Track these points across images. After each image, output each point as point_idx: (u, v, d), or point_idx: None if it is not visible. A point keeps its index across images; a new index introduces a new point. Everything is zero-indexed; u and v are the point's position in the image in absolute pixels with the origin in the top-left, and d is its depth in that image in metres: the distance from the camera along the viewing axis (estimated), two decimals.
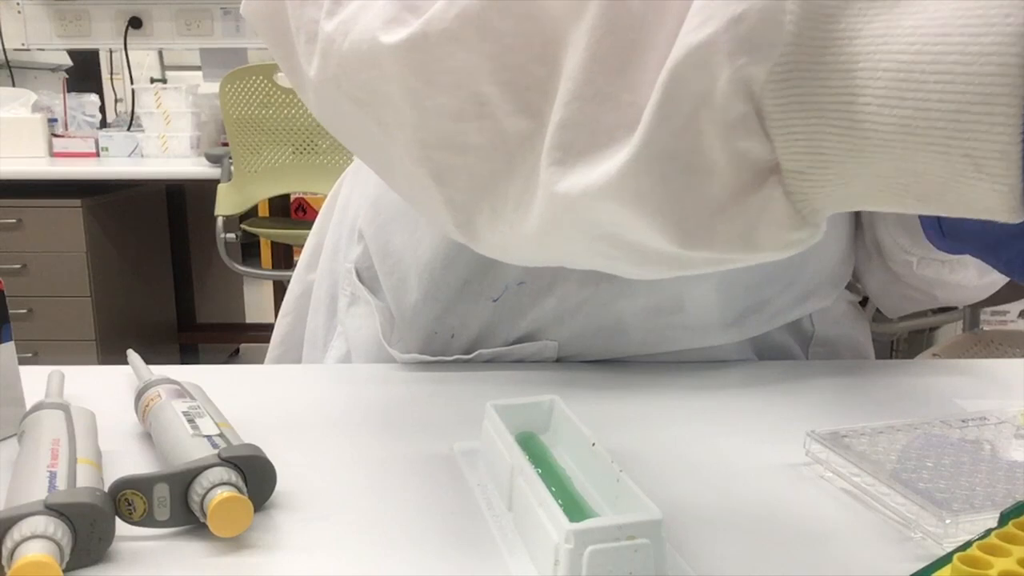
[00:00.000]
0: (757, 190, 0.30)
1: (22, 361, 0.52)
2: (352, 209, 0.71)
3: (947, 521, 0.37)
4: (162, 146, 2.70)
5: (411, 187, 0.41)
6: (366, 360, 0.68)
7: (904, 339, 2.36)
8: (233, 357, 3.31)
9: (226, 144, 2.49)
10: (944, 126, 0.25)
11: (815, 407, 0.55)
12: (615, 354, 0.64)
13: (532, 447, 0.44)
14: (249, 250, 3.04)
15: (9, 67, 3.00)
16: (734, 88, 0.28)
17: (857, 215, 0.66)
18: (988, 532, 0.35)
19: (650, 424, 0.53)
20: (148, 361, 0.56)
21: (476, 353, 0.63)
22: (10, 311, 0.51)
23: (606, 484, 0.39)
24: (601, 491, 0.40)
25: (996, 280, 0.63)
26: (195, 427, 0.43)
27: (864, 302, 0.73)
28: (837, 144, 0.28)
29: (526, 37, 0.33)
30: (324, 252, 0.74)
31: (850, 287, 0.70)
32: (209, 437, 0.42)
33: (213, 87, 2.53)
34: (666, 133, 0.30)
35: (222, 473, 0.38)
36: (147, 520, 0.38)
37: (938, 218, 0.37)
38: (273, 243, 3.06)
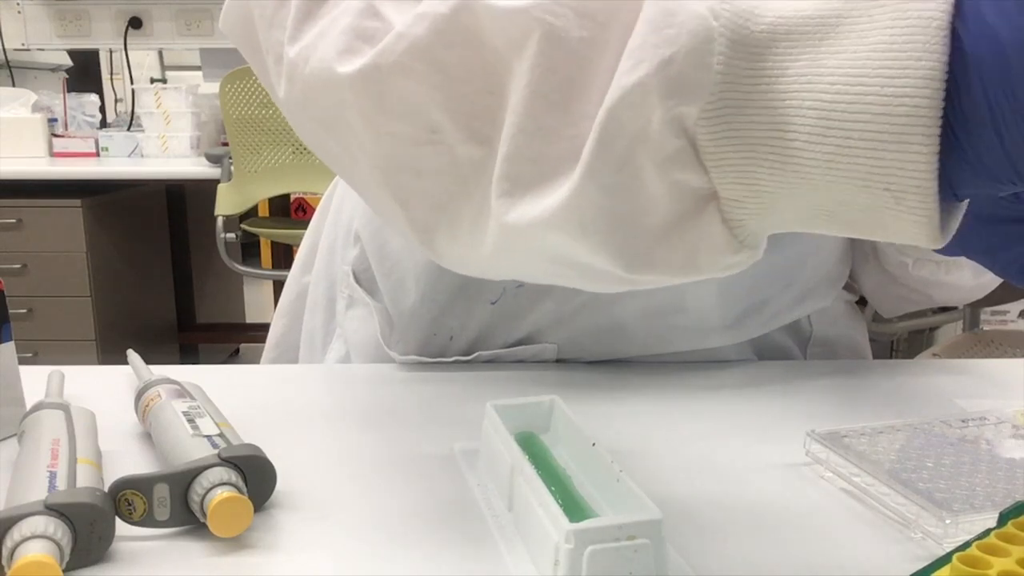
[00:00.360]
0: (696, 218, 0.31)
1: (22, 361, 0.52)
2: (347, 211, 0.71)
3: (947, 521, 0.37)
4: (162, 146, 2.70)
5: (379, 204, 0.42)
6: (365, 362, 0.68)
7: (904, 339, 2.35)
8: (233, 357, 3.31)
9: (226, 144, 2.49)
10: (864, 162, 0.26)
11: (815, 407, 0.55)
12: (615, 355, 0.63)
13: (532, 447, 0.44)
14: (249, 250, 3.04)
15: (9, 67, 3.00)
16: (668, 125, 0.29)
17: None
18: (987, 532, 0.35)
19: (650, 424, 0.53)
20: (148, 361, 0.56)
21: (475, 355, 0.63)
22: (10, 311, 0.51)
23: (606, 484, 0.39)
24: (601, 491, 0.40)
25: (991, 280, 0.64)
26: (195, 427, 0.43)
27: (862, 302, 0.73)
28: (768, 176, 0.29)
29: (472, 69, 0.34)
30: (319, 254, 0.74)
31: (847, 287, 0.70)
32: (209, 437, 0.42)
33: (213, 87, 2.53)
34: (606, 168, 0.31)
35: (222, 473, 0.38)
36: (147, 520, 0.38)
37: None
38: (273, 243, 3.06)
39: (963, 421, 0.49)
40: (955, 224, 0.28)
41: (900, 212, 0.27)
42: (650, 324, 0.61)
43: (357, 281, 0.68)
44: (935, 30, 0.24)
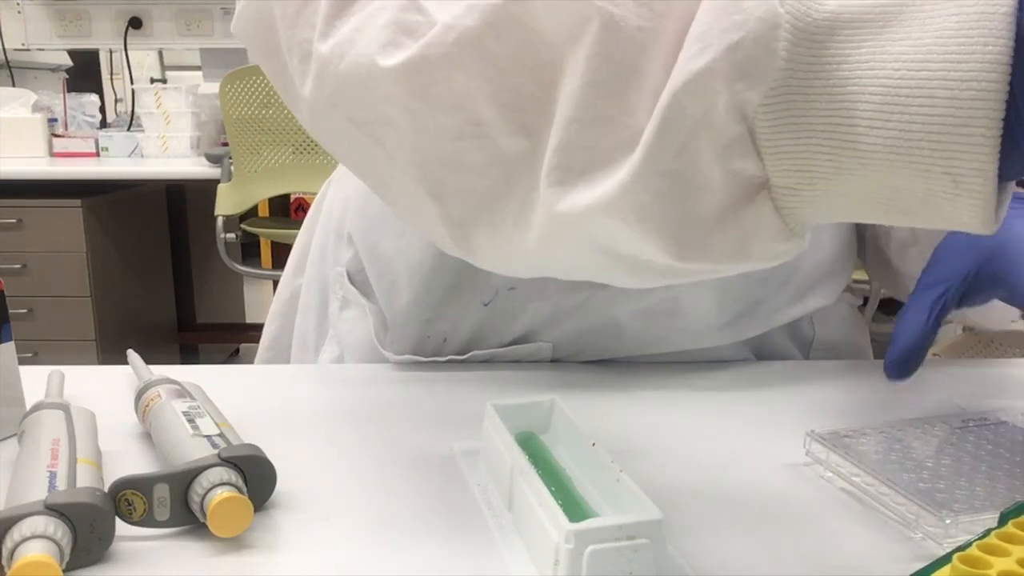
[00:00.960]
0: (748, 205, 0.31)
1: (22, 361, 0.52)
2: (337, 212, 0.71)
3: (947, 521, 0.37)
4: (162, 146, 2.70)
5: (408, 203, 0.41)
6: (359, 362, 0.68)
7: None
8: (233, 357, 3.31)
9: (226, 144, 2.49)
10: (927, 146, 0.27)
11: (815, 407, 0.55)
12: (611, 355, 0.63)
13: (532, 447, 0.44)
14: (249, 250, 3.04)
15: (9, 67, 3.00)
16: (731, 112, 0.30)
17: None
18: (988, 532, 0.35)
19: (649, 424, 0.53)
20: (148, 361, 0.56)
21: (470, 354, 0.63)
22: (10, 311, 0.51)
23: (606, 484, 0.39)
24: (601, 491, 0.40)
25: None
26: (195, 427, 0.43)
27: (863, 303, 0.73)
28: (825, 163, 0.29)
29: (523, 61, 0.34)
30: (311, 256, 0.74)
31: (850, 289, 0.70)
32: (209, 437, 0.42)
33: (213, 87, 2.53)
34: (666, 153, 0.31)
35: (222, 473, 0.38)
36: (147, 520, 0.38)
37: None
38: (273, 243, 3.06)
39: (964, 421, 0.49)
40: (1004, 212, 0.29)
41: (958, 196, 0.27)
42: (645, 324, 0.61)
43: (351, 282, 0.68)
44: (1002, 16, 0.25)
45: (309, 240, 0.76)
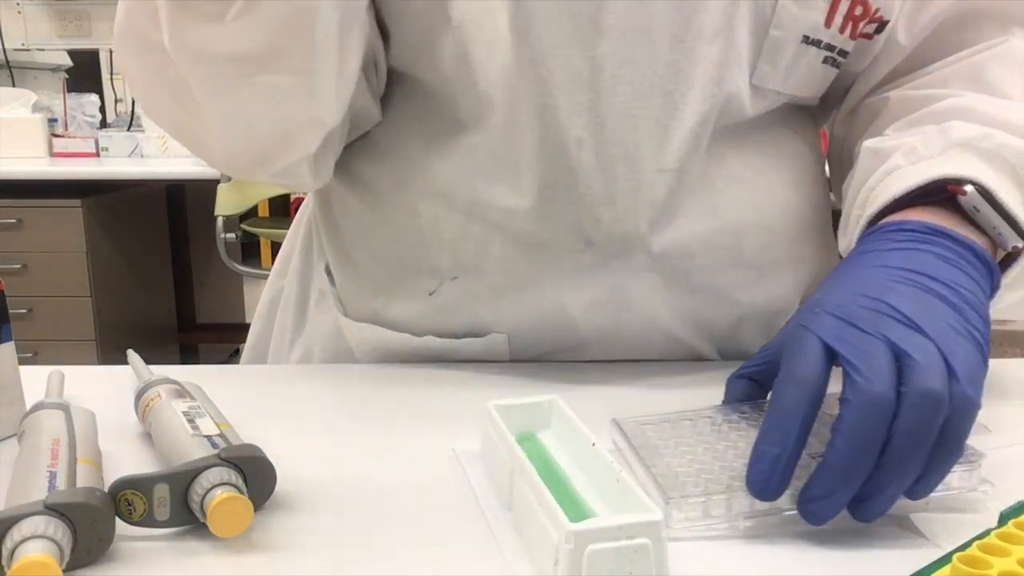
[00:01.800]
0: None
1: (22, 361, 0.52)
2: (311, 208, 0.74)
3: (667, 503, 0.38)
4: (162, 146, 2.69)
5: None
6: (325, 353, 0.69)
7: None
8: (233, 357, 3.31)
9: None
10: None
11: None
12: (572, 353, 0.63)
13: (532, 447, 0.44)
14: (249, 250, 3.04)
15: (9, 67, 3.00)
16: None
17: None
18: (988, 532, 0.35)
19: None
20: (148, 361, 0.56)
21: (425, 337, 0.64)
22: (10, 311, 0.51)
23: (606, 484, 0.39)
24: (601, 491, 0.40)
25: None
26: (195, 427, 0.43)
27: None
28: None
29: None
30: (295, 255, 0.76)
31: None
32: (209, 437, 0.42)
33: None
34: None
35: (222, 473, 0.38)
36: (147, 520, 0.38)
37: None
38: (273, 243, 3.06)
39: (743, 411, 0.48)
40: None
41: None
42: (597, 318, 0.61)
43: (328, 273, 0.70)
44: None
45: (294, 242, 0.77)
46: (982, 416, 0.50)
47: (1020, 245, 0.50)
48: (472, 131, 0.58)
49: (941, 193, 0.51)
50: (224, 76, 0.52)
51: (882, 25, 0.60)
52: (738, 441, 0.43)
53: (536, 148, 0.56)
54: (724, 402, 0.48)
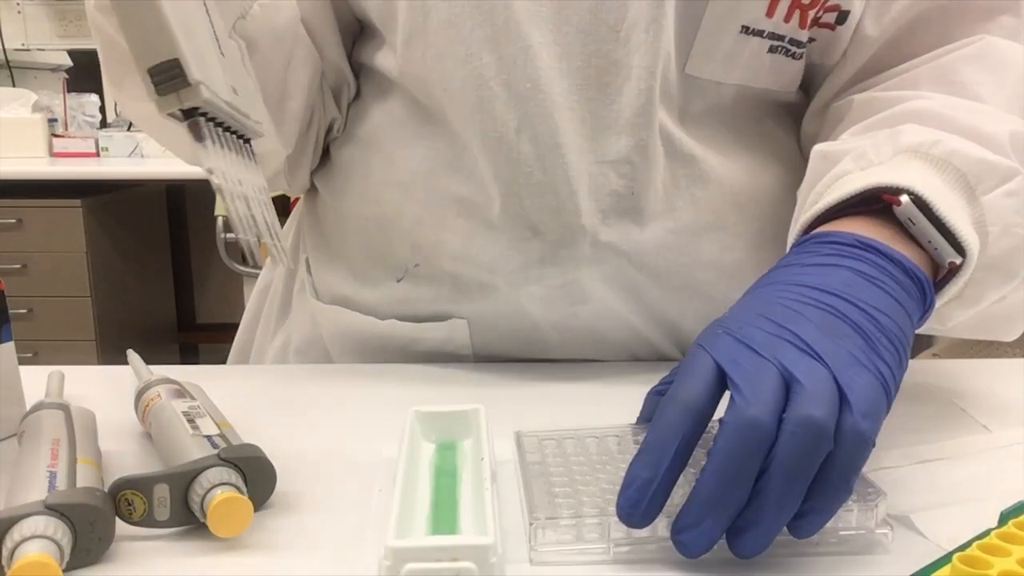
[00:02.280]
0: None
1: (22, 361, 0.52)
2: (301, 200, 0.75)
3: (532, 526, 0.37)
4: (162, 146, 2.69)
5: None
6: (300, 341, 0.71)
7: None
8: None
9: None
10: None
11: None
12: (534, 348, 0.63)
13: (444, 457, 0.44)
14: None
15: (9, 67, 2.99)
16: None
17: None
18: (988, 532, 0.35)
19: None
20: (148, 361, 0.56)
21: (388, 321, 0.65)
22: (10, 311, 0.51)
23: (479, 500, 0.39)
24: (475, 507, 0.39)
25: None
26: (195, 427, 0.43)
27: None
28: None
29: None
30: (288, 245, 0.77)
31: None
32: (209, 437, 0.42)
33: None
34: None
35: (222, 473, 0.38)
36: (147, 520, 0.38)
37: None
38: None
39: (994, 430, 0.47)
40: None
41: None
42: (553, 311, 0.61)
43: (308, 265, 0.71)
44: None
45: (288, 232, 0.78)
46: (982, 416, 0.50)
47: (957, 261, 0.45)
48: (427, 122, 0.60)
49: (879, 202, 0.47)
50: (168, 135, 0.61)
51: (843, 15, 0.58)
52: None
53: (479, 139, 0.57)
54: (639, 420, 0.45)
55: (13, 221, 2.39)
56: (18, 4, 3.01)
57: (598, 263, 0.59)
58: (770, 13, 0.56)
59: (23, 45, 3.05)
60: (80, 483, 0.38)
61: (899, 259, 0.43)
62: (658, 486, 0.35)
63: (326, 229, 0.68)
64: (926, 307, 0.44)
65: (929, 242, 0.45)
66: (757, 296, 0.42)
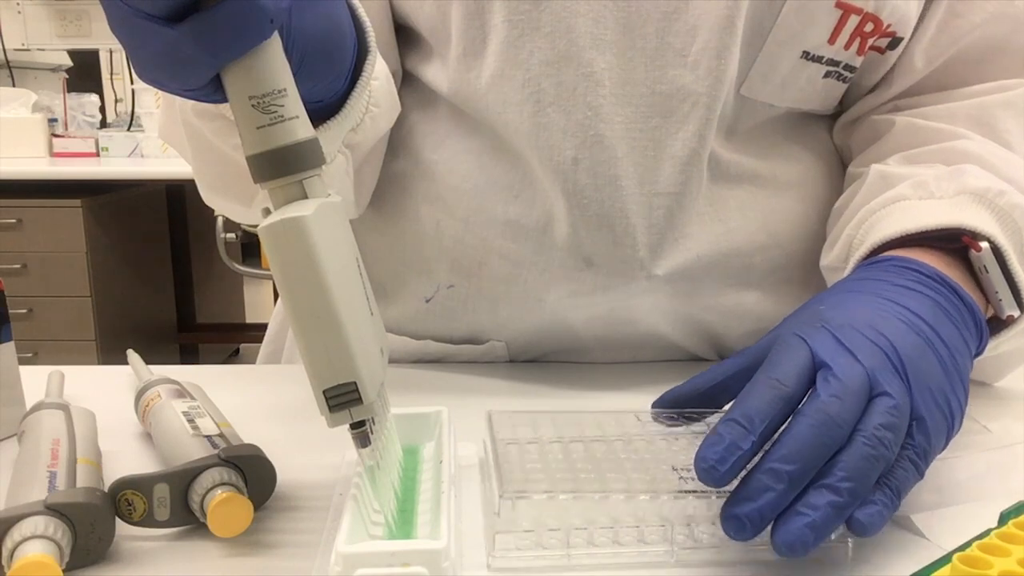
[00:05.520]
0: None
1: (22, 361, 0.52)
2: None
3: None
4: (162, 146, 2.69)
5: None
6: None
7: None
8: (233, 357, 3.31)
9: None
10: None
11: None
12: (572, 353, 0.63)
13: (407, 460, 0.44)
14: (249, 250, 3.03)
15: (9, 67, 2.99)
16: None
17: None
18: (988, 532, 0.35)
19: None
20: (148, 361, 0.56)
21: (424, 342, 0.64)
22: (10, 311, 0.51)
23: (435, 504, 0.39)
24: (431, 511, 0.39)
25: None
26: (195, 427, 0.43)
27: None
28: None
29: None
30: None
31: None
32: (209, 437, 0.42)
33: None
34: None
35: (222, 473, 0.38)
36: (147, 520, 0.38)
37: None
38: None
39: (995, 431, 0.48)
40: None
41: None
42: (600, 330, 0.61)
43: None
44: None
45: None
46: (982, 416, 0.51)
47: (1016, 315, 0.48)
48: (474, 139, 0.58)
49: (950, 241, 0.49)
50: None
51: (895, 40, 0.58)
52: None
53: (533, 166, 0.56)
54: (658, 404, 0.45)
55: (13, 221, 2.39)
56: (18, 4, 3.01)
57: (651, 292, 0.58)
58: (832, 40, 0.56)
59: (23, 45, 3.05)
60: (80, 483, 0.38)
61: (972, 306, 0.45)
62: (745, 451, 0.35)
63: (357, 240, 0.66)
64: (976, 354, 0.46)
65: (996, 292, 0.48)
66: (854, 300, 0.43)
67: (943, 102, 0.59)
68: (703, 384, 0.44)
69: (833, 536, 0.37)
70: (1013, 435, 0.50)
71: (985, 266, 0.47)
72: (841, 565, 0.37)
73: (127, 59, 0.36)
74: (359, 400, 0.35)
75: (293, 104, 0.35)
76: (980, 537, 0.34)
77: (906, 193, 0.52)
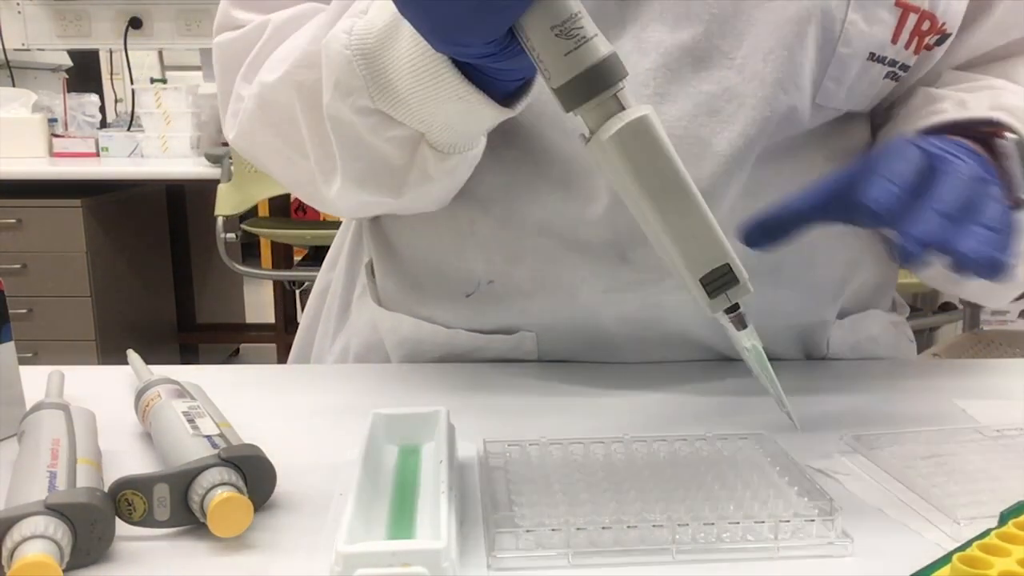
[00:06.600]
0: (415, 151, 0.52)
1: (22, 361, 0.52)
2: None
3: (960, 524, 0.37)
4: (162, 146, 2.69)
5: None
6: (360, 347, 0.69)
7: None
8: (233, 357, 3.31)
9: (226, 144, 2.48)
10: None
11: (811, 407, 0.55)
12: (600, 355, 0.63)
13: (407, 460, 0.44)
14: (249, 250, 3.04)
15: (9, 67, 2.99)
16: (360, 111, 0.50)
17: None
18: (988, 532, 0.35)
19: (651, 422, 0.53)
20: (148, 361, 0.56)
21: (454, 331, 0.64)
22: (10, 311, 0.51)
23: (435, 504, 0.39)
24: (431, 511, 0.39)
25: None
26: (195, 427, 0.43)
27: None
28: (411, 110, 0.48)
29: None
30: (345, 249, 0.76)
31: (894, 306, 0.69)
32: (209, 437, 0.42)
33: (213, 87, 2.52)
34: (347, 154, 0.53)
35: (222, 473, 0.38)
36: (147, 520, 0.38)
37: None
38: (273, 243, 3.05)
39: (997, 431, 0.48)
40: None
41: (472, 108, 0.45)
42: (632, 330, 0.61)
43: (370, 271, 0.70)
44: None
45: (345, 236, 0.77)
46: (982, 416, 0.51)
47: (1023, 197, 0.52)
48: (512, 142, 0.58)
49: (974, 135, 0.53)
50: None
51: (944, 37, 0.59)
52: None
53: (572, 163, 0.56)
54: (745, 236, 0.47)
55: (13, 221, 2.39)
56: (18, 4, 3.01)
57: (683, 290, 0.58)
58: (895, 40, 0.56)
59: (23, 45, 3.05)
60: (80, 483, 0.38)
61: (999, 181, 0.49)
62: (901, 192, 0.42)
63: (392, 237, 0.66)
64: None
65: (1013, 176, 0.51)
66: (928, 138, 0.48)
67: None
68: (801, 203, 0.47)
69: (833, 536, 0.37)
70: (1013, 434, 0.50)
71: (1006, 152, 0.52)
72: (841, 565, 0.37)
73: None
74: (735, 280, 0.36)
75: (589, 24, 0.36)
76: (980, 537, 0.34)
77: (946, 108, 0.57)
